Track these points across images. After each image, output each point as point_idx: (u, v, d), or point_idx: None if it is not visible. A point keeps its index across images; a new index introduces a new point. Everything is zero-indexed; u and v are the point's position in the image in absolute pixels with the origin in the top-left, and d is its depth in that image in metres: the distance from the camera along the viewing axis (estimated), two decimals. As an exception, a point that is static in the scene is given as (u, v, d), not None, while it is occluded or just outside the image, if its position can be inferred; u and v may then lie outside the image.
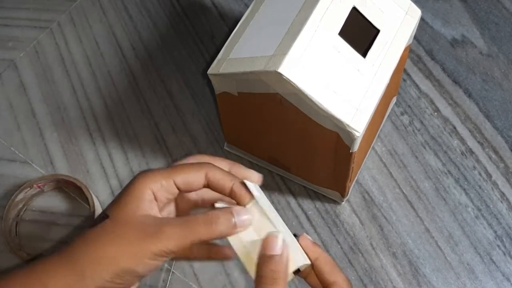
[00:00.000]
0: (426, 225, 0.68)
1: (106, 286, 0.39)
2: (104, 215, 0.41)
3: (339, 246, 0.67)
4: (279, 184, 0.71)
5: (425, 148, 0.72)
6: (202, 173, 0.43)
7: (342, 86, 0.53)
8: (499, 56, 0.79)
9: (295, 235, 0.68)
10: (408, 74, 0.78)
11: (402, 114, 0.75)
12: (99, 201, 0.70)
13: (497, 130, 0.73)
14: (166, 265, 0.66)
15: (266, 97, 0.56)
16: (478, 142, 0.73)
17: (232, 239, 0.43)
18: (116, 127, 0.76)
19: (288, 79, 0.51)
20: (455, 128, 0.74)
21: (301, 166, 0.67)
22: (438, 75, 0.78)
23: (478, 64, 0.78)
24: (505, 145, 0.72)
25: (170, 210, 0.46)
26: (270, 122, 0.61)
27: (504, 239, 0.67)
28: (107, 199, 0.71)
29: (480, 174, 0.70)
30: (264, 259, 0.42)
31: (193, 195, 0.47)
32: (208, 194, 0.47)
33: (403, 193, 0.70)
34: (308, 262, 0.44)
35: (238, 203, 0.44)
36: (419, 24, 0.61)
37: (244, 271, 0.63)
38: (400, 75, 0.70)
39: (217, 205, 0.45)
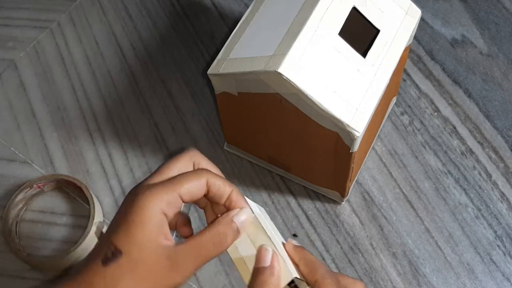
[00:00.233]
0: (426, 225, 0.68)
1: None
2: (115, 249, 0.40)
3: (339, 246, 0.67)
4: (279, 184, 0.71)
5: (425, 148, 0.72)
6: (203, 181, 0.43)
7: (342, 86, 0.53)
8: (499, 56, 0.79)
9: (294, 235, 0.68)
10: (408, 74, 0.78)
11: (402, 114, 0.75)
12: (99, 201, 0.70)
13: (497, 130, 0.73)
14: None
15: (266, 97, 0.56)
16: (478, 142, 0.73)
17: (229, 248, 0.44)
18: (116, 127, 0.76)
19: (288, 79, 0.51)
20: (455, 128, 0.74)
21: (301, 166, 0.67)
22: (438, 75, 0.78)
23: (478, 64, 0.78)
24: (505, 145, 0.72)
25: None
26: (270, 122, 0.61)
27: (504, 239, 0.67)
28: (107, 199, 0.71)
29: (480, 174, 0.70)
30: (256, 270, 0.43)
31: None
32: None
33: (403, 193, 0.70)
34: (299, 276, 0.44)
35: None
36: (419, 24, 0.61)
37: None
38: (400, 75, 0.70)
39: None
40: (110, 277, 0.39)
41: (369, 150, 0.72)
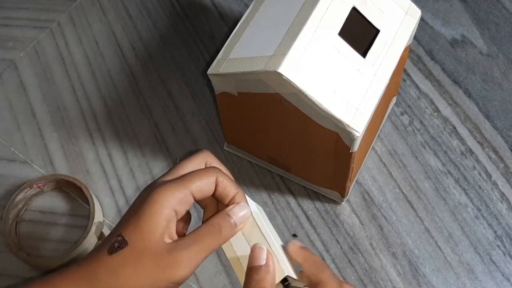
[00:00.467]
0: (426, 225, 0.68)
1: None
2: (122, 239, 0.41)
3: (339, 246, 0.67)
4: (279, 184, 0.71)
5: (425, 148, 0.72)
6: (213, 178, 0.44)
7: (342, 86, 0.53)
8: (499, 56, 0.79)
9: (294, 235, 0.68)
10: (408, 74, 0.78)
11: (402, 114, 0.75)
12: (99, 201, 0.70)
13: (497, 130, 0.73)
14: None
15: (266, 97, 0.56)
16: (478, 142, 0.73)
17: (225, 246, 0.45)
18: (116, 127, 0.76)
19: (288, 79, 0.51)
20: (455, 128, 0.74)
21: (301, 166, 0.67)
22: (438, 75, 0.78)
23: (478, 64, 0.78)
24: (505, 145, 0.72)
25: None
26: (270, 122, 0.61)
27: (504, 239, 0.67)
28: (107, 199, 0.71)
29: (480, 174, 0.70)
30: (250, 269, 0.43)
31: None
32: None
33: (403, 193, 0.70)
34: (293, 274, 0.44)
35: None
36: (419, 24, 0.61)
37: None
38: (400, 75, 0.70)
39: None
40: (113, 266, 0.41)
41: (369, 150, 0.72)
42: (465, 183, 0.70)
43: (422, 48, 0.80)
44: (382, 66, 0.56)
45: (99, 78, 0.80)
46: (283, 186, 0.71)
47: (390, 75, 0.56)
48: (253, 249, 0.44)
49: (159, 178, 0.45)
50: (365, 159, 0.71)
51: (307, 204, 0.69)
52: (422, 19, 0.81)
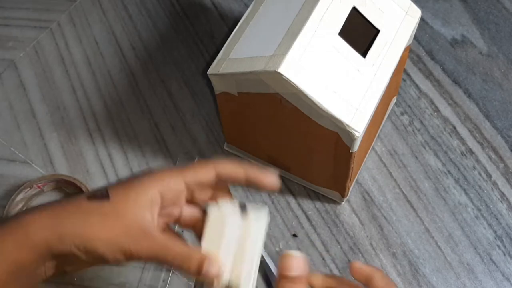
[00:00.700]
0: (426, 225, 0.68)
1: (75, 250, 0.42)
2: (106, 193, 0.43)
3: (339, 246, 0.67)
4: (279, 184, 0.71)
5: (425, 148, 0.72)
6: (211, 167, 0.45)
7: (342, 86, 0.53)
8: (499, 56, 0.79)
9: (294, 235, 0.68)
10: (408, 74, 0.78)
11: (402, 114, 0.75)
12: (99, 201, 0.70)
13: (497, 130, 0.73)
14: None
15: (266, 97, 0.56)
16: (478, 142, 0.73)
17: (211, 210, 0.45)
18: (116, 127, 0.76)
19: (288, 79, 0.51)
20: (455, 128, 0.74)
21: (301, 166, 0.67)
22: (438, 75, 0.78)
23: (478, 64, 0.78)
24: (505, 145, 0.72)
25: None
26: (270, 122, 0.61)
27: (504, 239, 0.67)
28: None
29: (480, 174, 0.70)
30: (281, 276, 0.43)
31: (175, 211, 0.47)
32: (188, 211, 0.48)
33: (403, 193, 0.70)
34: None
35: (260, 186, 0.46)
36: (419, 24, 0.61)
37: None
38: (400, 75, 0.70)
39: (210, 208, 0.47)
40: (85, 210, 0.42)
41: (369, 150, 0.72)
42: (465, 183, 0.70)
43: (422, 48, 0.80)
44: (382, 66, 0.56)
45: (99, 78, 0.80)
46: (283, 186, 0.71)
47: (390, 75, 0.56)
48: (285, 257, 0.44)
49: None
50: (365, 159, 0.71)
51: (307, 204, 0.69)
52: (422, 19, 0.81)
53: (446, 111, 0.75)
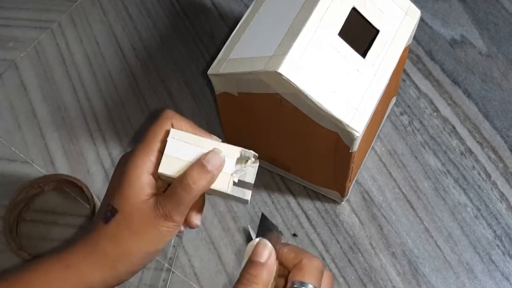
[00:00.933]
0: (426, 225, 0.68)
1: (135, 269, 0.46)
2: (112, 208, 0.45)
3: (338, 246, 0.67)
4: (279, 184, 0.71)
5: (424, 148, 0.73)
6: (168, 124, 0.48)
7: (341, 86, 0.53)
8: (498, 56, 0.79)
9: (294, 235, 0.68)
10: (407, 74, 0.78)
11: (401, 114, 0.75)
12: (100, 200, 0.70)
13: (496, 130, 0.73)
14: (166, 264, 0.66)
15: (266, 97, 0.56)
16: (477, 142, 0.73)
17: (174, 133, 0.47)
18: (116, 127, 0.76)
19: (288, 79, 0.51)
20: (454, 128, 0.74)
21: (301, 166, 0.67)
22: (437, 75, 0.78)
23: (477, 64, 0.78)
24: (504, 145, 0.72)
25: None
26: (270, 122, 0.61)
27: (503, 239, 0.67)
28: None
29: (479, 174, 0.71)
30: (249, 262, 0.44)
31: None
32: None
33: (403, 193, 0.70)
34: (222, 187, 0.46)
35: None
36: (418, 24, 0.61)
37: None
38: (399, 75, 0.70)
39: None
40: (111, 233, 0.45)
41: (369, 150, 0.72)
42: (465, 183, 0.70)
43: (422, 48, 0.80)
44: (382, 66, 0.56)
45: (99, 78, 0.80)
46: (283, 186, 0.71)
47: (390, 75, 0.56)
48: (258, 244, 0.44)
49: (131, 150, 0.48)
50: (365, 159, 0.72)
51: (307, 204, 0.70)
52: (421, 20, 0.82)
53: (446, 111, 0.75)
